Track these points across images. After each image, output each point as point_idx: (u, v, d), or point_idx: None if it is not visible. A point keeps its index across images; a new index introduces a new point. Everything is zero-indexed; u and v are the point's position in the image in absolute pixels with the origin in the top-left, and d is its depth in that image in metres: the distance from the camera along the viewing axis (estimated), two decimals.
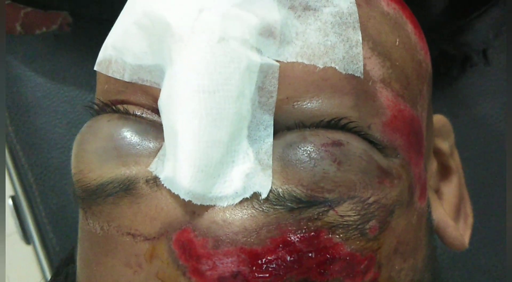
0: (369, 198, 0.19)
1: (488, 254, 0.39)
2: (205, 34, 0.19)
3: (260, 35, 0.20)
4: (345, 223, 0.19)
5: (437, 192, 0.28)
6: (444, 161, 0.29)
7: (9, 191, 0.43)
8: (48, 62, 0.40)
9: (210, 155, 0.19)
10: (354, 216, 0.19)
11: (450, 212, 0.28)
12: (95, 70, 0.23)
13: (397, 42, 0.22)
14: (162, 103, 0.20)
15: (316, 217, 0.19)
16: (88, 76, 0.40)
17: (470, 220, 0.29)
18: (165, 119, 0.19)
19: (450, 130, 0.29)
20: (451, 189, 0.29)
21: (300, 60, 0.20)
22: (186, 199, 0.18)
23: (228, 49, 0.19)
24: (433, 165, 0.28)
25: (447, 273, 0.38)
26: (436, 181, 0.28)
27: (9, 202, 0.43)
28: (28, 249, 0.46)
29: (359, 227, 0.19)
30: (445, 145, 0.29)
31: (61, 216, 0.39)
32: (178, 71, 0.19)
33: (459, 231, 0.27)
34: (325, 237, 0.19)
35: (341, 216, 0.19)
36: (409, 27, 0.23)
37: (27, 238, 0.44)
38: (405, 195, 0.21)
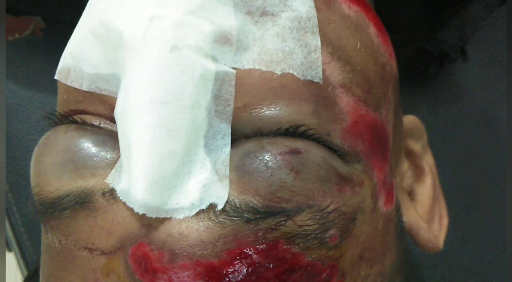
0: (328, 206, 0.19)
1: (470, 252, 0.38)
2: (156, 43, 0.19)
3: (215, 43, 0.19)
4: (303, 232, 0.19)
5: (411, 193, 0.28)
6: (417, 161, 0.28)
7: None
8: (21, 69, 0.39)
9: (165, 166, 0.18)
10: (313, 225, 0.19)
11: (424, 213, 0.27)
12: None
13: (358, 46, 0.21)
14: (117, 115, 0.19)
15: (274, 227, 0.18)
16: None
17: (444, 221, 0.29)
18: (120, 131, 0.19)
19: (423, 131, 0.29)
20: (424, 190, 0.28)
21: (257, 66, 0.19)
22: (140, 213, 0.18)
23: (181, 58, 0.19)
24: (404, 167, 0.27)
25: (429, 272, 0.38)
26: (409, 182, 0.28)
27: None
28: (11, 256, 0.45)
29: (318, 236, 0.19)
30: (417, 145, 0.28)
31: (37, 224, 0.38)
32: (131, 81, 0.19)
33: (433, 232, 0.27)
34: (284, 247, 0.18)
35: (299, 225, 0.19)
36: (372, 30, 0.23)
37: (8, 245, 0.44)
38: (368, 201, 0.21)
